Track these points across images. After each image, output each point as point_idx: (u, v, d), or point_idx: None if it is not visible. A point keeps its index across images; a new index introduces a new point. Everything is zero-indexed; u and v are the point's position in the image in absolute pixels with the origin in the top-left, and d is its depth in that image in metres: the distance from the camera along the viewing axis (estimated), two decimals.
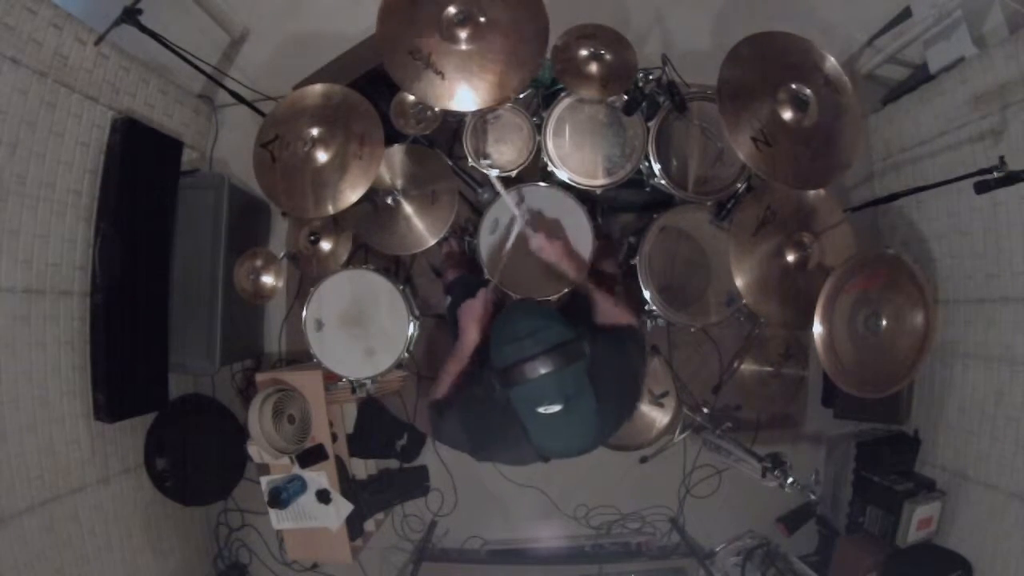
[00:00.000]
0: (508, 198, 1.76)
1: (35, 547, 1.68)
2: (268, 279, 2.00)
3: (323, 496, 2.03)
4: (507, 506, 2.65)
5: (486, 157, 2.00)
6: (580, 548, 2.66)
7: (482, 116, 1.99)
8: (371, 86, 1.95)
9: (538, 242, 1.61)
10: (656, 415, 2.30)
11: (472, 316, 1.48)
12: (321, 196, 1.69)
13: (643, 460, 2.59)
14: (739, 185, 1.94)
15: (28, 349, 1.70)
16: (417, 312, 1.98)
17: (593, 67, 1.78)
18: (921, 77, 2.39)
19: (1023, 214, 1.94)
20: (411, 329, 1.92)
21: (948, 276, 2.24)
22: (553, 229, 1.84)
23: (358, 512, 2.12)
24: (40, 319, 1.74)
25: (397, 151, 1.97)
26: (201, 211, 2.18)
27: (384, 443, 2.45)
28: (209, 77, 2.04)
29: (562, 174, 1.93)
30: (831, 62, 1.69)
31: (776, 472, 1.92)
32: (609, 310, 1.52)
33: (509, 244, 1.75)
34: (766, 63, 1.65)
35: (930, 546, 2.22)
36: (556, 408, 1.14)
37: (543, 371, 1.13)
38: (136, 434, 2.12)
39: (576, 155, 1.96)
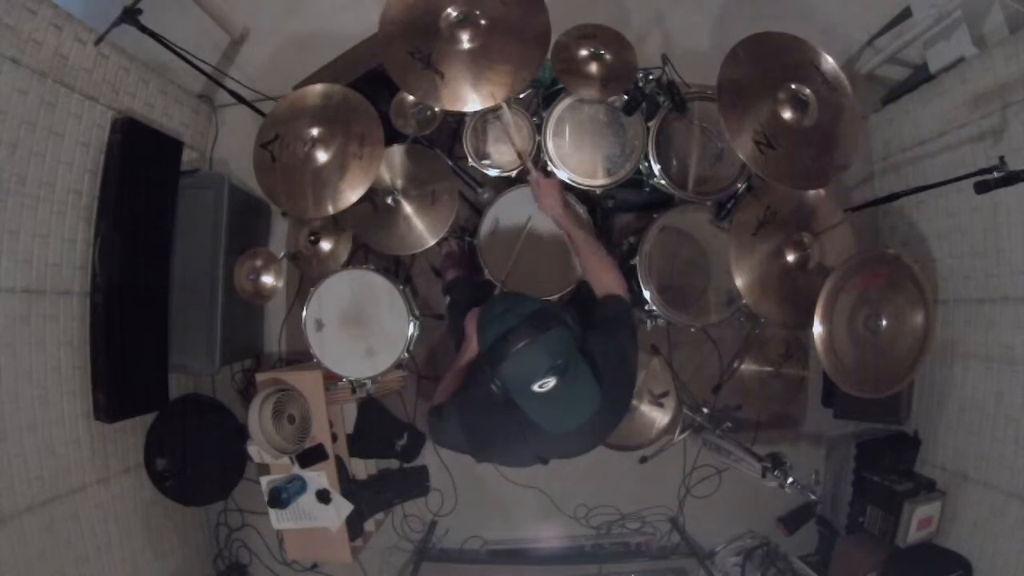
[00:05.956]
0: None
1: (35, 547, 1.68)
2: (268, 279, 2.00)
3: (323, 496, 2.03)
4: (507, 506, 2.65)
5: (486, 157, 2.01)
6: (580, 548, 2.66)
7: (482, 116, 1.99)
8: (371, 86, 1.94)
9: (535, 176, 1.74)
10: (656, 415, 2.30)
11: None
12: (321, 196, 1.69)
13: (643, 460, 2.59)
14: (739, 185, 1.94)
15: (28, 349, 1.70)
16: (417, 312, 1.98)
17: (593, 67, 1.79)
18: (921, 77, 2.39)
19: (1023, 214, 1.94)
20: (411, 329, 1.93)
21: (948, 276, 2.24)
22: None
23: (358, 512, 2.12)
24: (40, 319, 1.74)
25: (397, 151, 1.97)
26: (201, 211, 2.18)
27: (384, 443, 2.45)
28: (209, 77, 2.04)
29: (562, 174, 1.93)
30: (829, 62, 1.69)
31: (776, 472, 1.92)
32: (596, 267, 1.53)
33: (518, 244, 1.77)
34: (765, 63, 1.65)
35: (930, 546, 2.22)
36: (551, 382, 1.13)
37: (524, 340, 1.14)
38: (136, 434, 2.12)
39: (576, 155, 1.96)
